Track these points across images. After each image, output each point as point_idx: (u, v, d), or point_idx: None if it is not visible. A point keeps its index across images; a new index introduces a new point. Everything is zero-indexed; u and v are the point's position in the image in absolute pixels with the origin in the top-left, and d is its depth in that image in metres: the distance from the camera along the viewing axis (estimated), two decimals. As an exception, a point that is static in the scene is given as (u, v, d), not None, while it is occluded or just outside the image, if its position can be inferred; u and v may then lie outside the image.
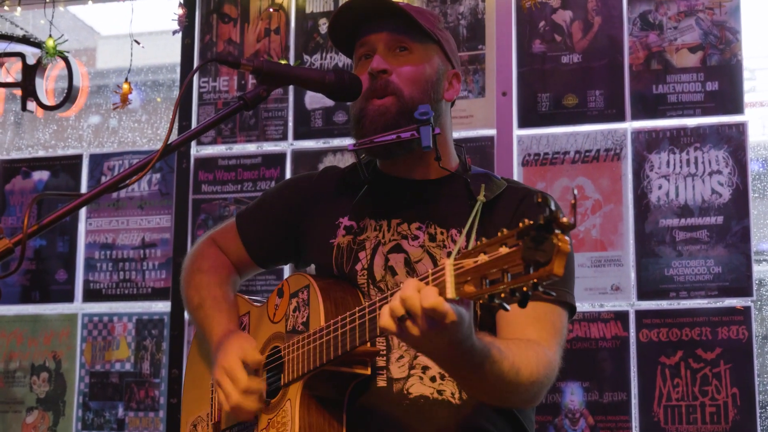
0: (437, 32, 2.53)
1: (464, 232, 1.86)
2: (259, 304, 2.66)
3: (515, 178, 4.22)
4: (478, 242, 1.81)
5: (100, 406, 4.75)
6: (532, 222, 1.71)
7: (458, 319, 1.89)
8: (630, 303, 4.16)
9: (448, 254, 2.18)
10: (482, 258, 1.79)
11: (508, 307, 1.79)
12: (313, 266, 2.55)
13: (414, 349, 2.21)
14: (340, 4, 2.53)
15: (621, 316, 4.15)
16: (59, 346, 4.84)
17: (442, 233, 2.43)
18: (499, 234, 1.77)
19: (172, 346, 4.64)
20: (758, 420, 3.96)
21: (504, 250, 1.76)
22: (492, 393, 2.17)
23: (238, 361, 2.41)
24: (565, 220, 1.68)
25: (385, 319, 1.95)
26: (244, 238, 2.73)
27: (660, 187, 4.19)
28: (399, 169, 2.54)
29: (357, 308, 2.18)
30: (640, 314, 4.14)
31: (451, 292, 1.85)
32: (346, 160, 4.49)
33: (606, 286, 4.17)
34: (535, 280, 1.70)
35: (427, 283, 1.91)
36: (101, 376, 4.78)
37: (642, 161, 4.22)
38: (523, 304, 1.75)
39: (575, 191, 1.91)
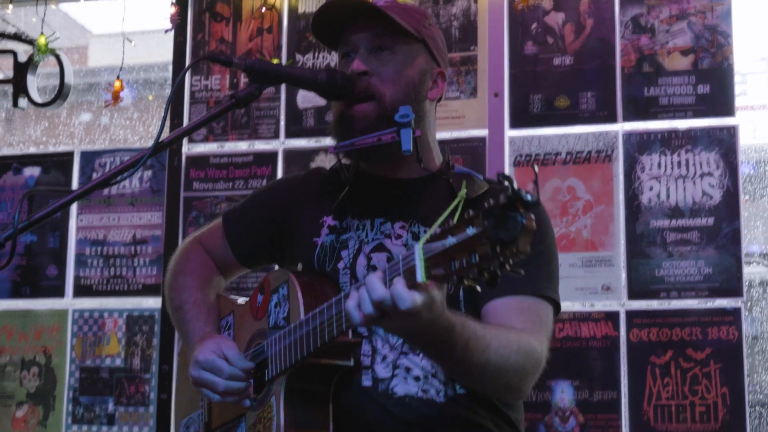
0: (422, 30, 2.51)
1: (438, 220, 1.87)
2: (242, 303, 2.65)
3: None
4: (446, 226, 1.82)
5: (90, 400, 4.75)
6: (495, 202, 1.73)
7: (428, 300, 1.91)
8: (620, 303, 4.18)
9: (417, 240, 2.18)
10: (450, 241, 1.81)
11: (478, 288, 1.82)
12: (300, 266, 2.55)
13: (390, 333, 2.21)
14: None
15: (611, 316, 4.16)
16: (49, 341, 4.84)
17: (425, 232, 2.42)
18: (465, 216, 1.79)
19: (163, 342, 4.64)
20: (747, 420, 3.98)
21: (471, 231, 1.77)
22: (472, 375, 2.18)
23: (216, 356, 2.40)
24: (528, 198, 1.70)
25: (356, 318, 1.98)
26: (229, 237, 2.72)
27: (651, 189, 4.21)
28: (381, 169, 2.54)
29: (334, 298, 2.17)
30: (630, 314, 4.16)
31: (420, 276, 1.86)
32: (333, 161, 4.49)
33: (597, 286, 4.18)
34: (502, 259, 1.72)
35: (397, 270, 1.92)
36: (91, 371, 4.77)
37: (633, 163, 4.24)
38: (492, 284, 1.77)
39: (536, 168, 1.94)
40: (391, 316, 1.93)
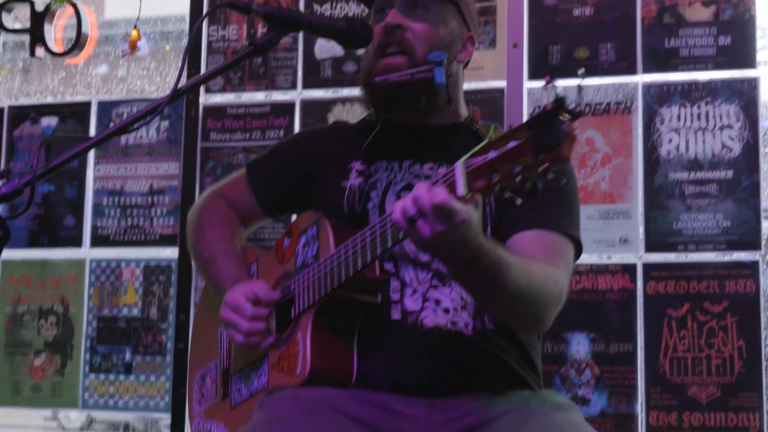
0: None
1: (478, 146, 1.89)
2: (266, 251, 2.67)
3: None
4: (488, 140, 1.84)
5: (107, 350, 4.77)
6: (539, 111, 1.77)
7: (468, 218, 1.93)
8: (638, 256, 4.16)
9: None
10: (492, 154, 1.84)
11: (519, 199, 1.84)
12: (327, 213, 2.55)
13: (424, 251, 2.22)
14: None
15: (628, 269, 4.15)
16: (67, 290, 4.86)
17: None
18: (507, 131, 1.82)
19: (180, 292, 4.66)
20: (763, 373, 3.97)
21: (513, 143, 1.80)
22: (501, 302, 2.20)
23: (244, 297, 2.44)
24: (572, 106, 1.74)
25: (397, 216, 1.99)
26: (254, 187, 2.73)
27: (670, 141, 4.18)
28: (410, 117, 2.56)
29: (367, 228, 2.20)
30: (647, 267, 4.14)
31: (462, 189, 1.89)
32: (355, 110, 4.48)
33: (614, 238, 4.17)
34: (546, 165, 1.75)
35: (438, 184, 1.95)
36: (109, 320, 4.80)
37: (653, 115, 4.21)
38: (534, 194, 1.80)
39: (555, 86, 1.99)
40: (428, 220, 1.94)
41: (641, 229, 4.16)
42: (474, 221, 1.97)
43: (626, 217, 4.17)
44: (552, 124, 1.75)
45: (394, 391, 2.36)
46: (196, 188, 4.68)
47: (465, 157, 1.90)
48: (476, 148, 1.89)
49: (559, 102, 1.74)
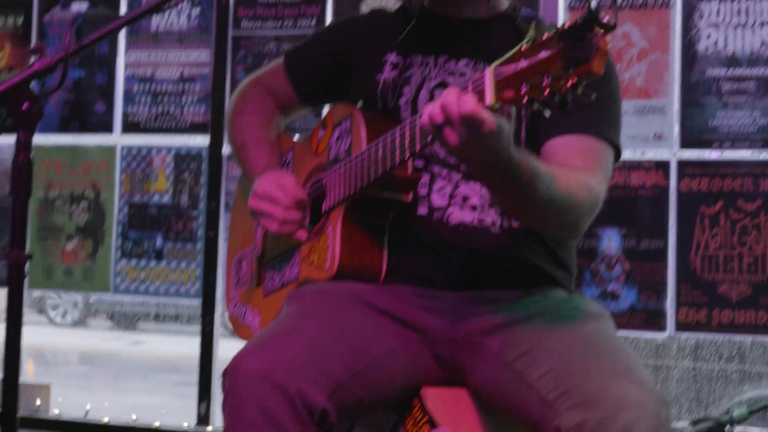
0: None
1: (510, 52, 1.85)
2: (302, 141, 2.67)
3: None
4: (519, 48, 1.80)
5: (138, 236, 4.81)
6: (571, 23, 1.71)
7: (497, 128, 1.90)
8: (672, 152, 4.13)
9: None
10: (522, 63, 1.80)
11: (547, 112, 1.80)
12: (360, 103, 2.54)
13: (453, 157, 2.20)
14: None
15: (662, 165, 4.12)
16: (98, 176, 4.88)
17: None
18: (539, 40, 1.77)
19: (211, 179, 4.67)
20: (795, 271, 3.97)
21: (544, 54, 1.76)
22: (533, 213, 2.17)
23: (274, 186, 2.44)
24: (605, 20, 1.68)
25: (425, 122, 1.97)
26: (291, 75, 2.71)
27: (709, 37, 4.11)
28: (448, 6, 2.50)
29: (396, 127, 2.19)
30: (681, 164, 4.11)
31: (491, 98, 1.86)
32: (387, 1, 4.43)
33: (649, 134, 4.13)
34: (575, 80, 1.71)
35: (467, 91, 1.91)
36: (140, 207, 4.82)
37: (691, 10, 4.13)
38: (563, 108, 1.76)
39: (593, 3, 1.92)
40: (455, 128, 1.91)
41: (676, 126, 4.12)
42: (504, 132, 1.94)
43: (661, 113, 4.12)
44: (583, 38, 1.69)
45: (421, 286, 2.37)
46: (227, 77, 4.66)
47: (495, 64, 1.86)
48: (507, 55, 1.84)
49: (592, 14, 1.68)
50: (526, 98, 1.80)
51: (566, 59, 1.71)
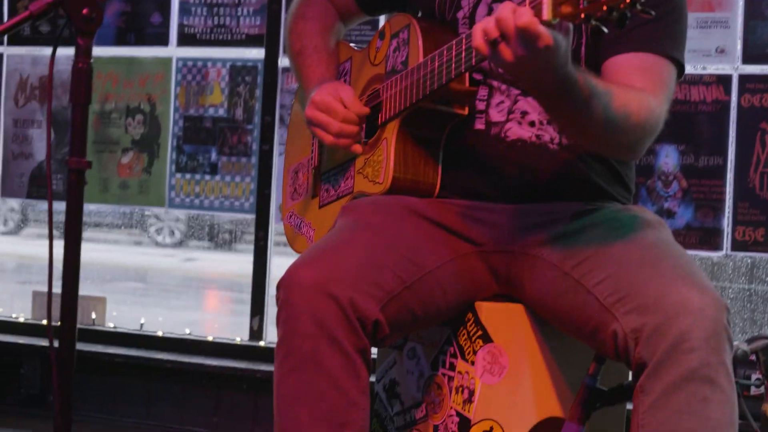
0: None
1: None
2: (361, 49, 2.64)
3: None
4: None
5: (193, 149, 4.81)
6: None
7: (553, 44, 1.86)
8: (734, 66, 4.04)
9: None
10: None
11: (605, 28, 1.76)
12: (420, 13, 2.50)
13: (508, 74, 2.17)
14: None
15: (723, 80, 4.03)
16: (154, 89, 4.88)
17: None
18: None
19: (266, 93, 4.65)
20: None
21: None
22: (590, 132, 2.13)
23: (332, 98, 2.42)
24: None
25: (478, 41, 1.93)
26: None
27: (775, -53, 4.00)
28: None
29: (453, 40, 2.15)
30: (743, 78, 4.01)
31: (547, 13, 1.82)
32: None
33: (710, 48, 4.03)
34: None
35: (524, 5, 1.87)
36: (195, 120, 4.82)
37: None
38: (621, 24, 1.72)
39: None
40: (511, 44, 1.88)
41: (739, 40, 4.02)
42: (561, 48, 1.89)
43: (724, 26, 4.03)
44: None
45: (477, 200, 2.36)
46: (285, -15, 4.62)
47: None
48: None
49: None
50: (583, 14, 1.76)
51: None
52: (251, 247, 4.72)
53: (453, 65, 2.16)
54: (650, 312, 2.02)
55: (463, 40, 2.13)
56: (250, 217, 4.73)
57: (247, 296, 4.73)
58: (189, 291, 10.85)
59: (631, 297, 2.06)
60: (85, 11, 2.14)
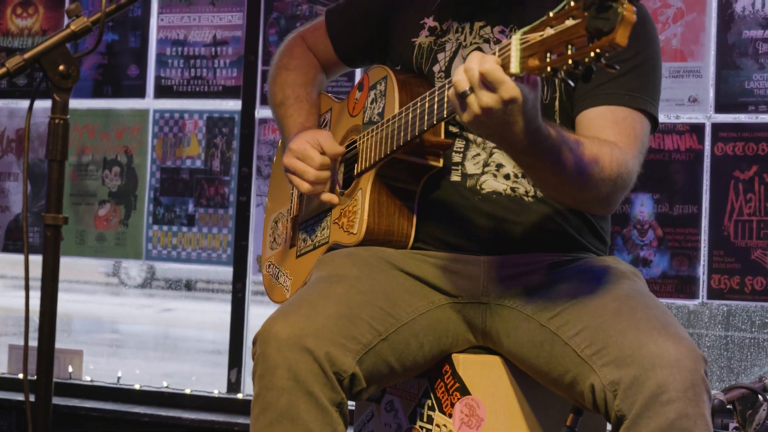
0: None
1: (540, 19, 1.82)
2: (341, 101, 2.67)
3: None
4: (545, 16, 1.78)
5: (170, 201, 4.81)
6: None
7: (520, 96, 1.87)
8: (707, 115, 4.07)
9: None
10: (548, 32, 1.77)
11: (571, 82, 1.76)
12: (399, 67, 2.53)
13: (479, 135, 2.19)
14: None
15: (696, 129, 4.06)
16: (130, 141, 4.88)
17: None
18: (565, 8, 1.74)
19: (243, 144, 4.66)
20: (831, 238, 3.92)
21: (570, 22, 1.73)
22: (563, 186, 2.14)
23: (309, 145, 2.44)
24: None
25: (450, 94, 1.96)
26: (331, 34, 2.72)
27: (745, -3, 4.06)
28: None
29: (427, 92, 2.17)
30: (716, 127, 4.05)
31: (515, 66, 1.84)
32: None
33: (683, 97, 4.07)
34: (598, 50, 1.68)
35: (492, 56, 1.89)
36: (172, 172, 4.82)
37: (728, -30, 4.07)
38: (587, 79, 1.73)
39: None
40: (477, 91, 1.89)
41: (711, 89, 4.06)
42: (528, 101, 1.90)
43: (697, 75, 4.07)
44: (608, 8, 1.66)
45: (451, 252, 2.37)
46: (260, 39, 4.64)
47: (522, 31, 1.83)
48: (535, 23, 1.82)
49: None
50: (549, 67, 1.77)
51: (590, 29, 1.68)
52: (229, 297, 4.70)
53: (426, 116, 2.18)
54: (627, 364, 2.02)
55: (436, 92, 2.15)
56: (228, 269, 4.71)
57: (225, 347, 4.71)
58: (167, 342, 10.76)
59: (608, 349, 2.06)
60: (61, 67, 2.15)
